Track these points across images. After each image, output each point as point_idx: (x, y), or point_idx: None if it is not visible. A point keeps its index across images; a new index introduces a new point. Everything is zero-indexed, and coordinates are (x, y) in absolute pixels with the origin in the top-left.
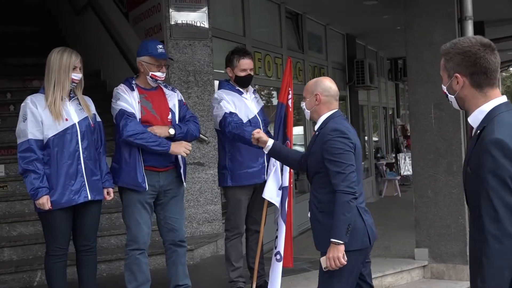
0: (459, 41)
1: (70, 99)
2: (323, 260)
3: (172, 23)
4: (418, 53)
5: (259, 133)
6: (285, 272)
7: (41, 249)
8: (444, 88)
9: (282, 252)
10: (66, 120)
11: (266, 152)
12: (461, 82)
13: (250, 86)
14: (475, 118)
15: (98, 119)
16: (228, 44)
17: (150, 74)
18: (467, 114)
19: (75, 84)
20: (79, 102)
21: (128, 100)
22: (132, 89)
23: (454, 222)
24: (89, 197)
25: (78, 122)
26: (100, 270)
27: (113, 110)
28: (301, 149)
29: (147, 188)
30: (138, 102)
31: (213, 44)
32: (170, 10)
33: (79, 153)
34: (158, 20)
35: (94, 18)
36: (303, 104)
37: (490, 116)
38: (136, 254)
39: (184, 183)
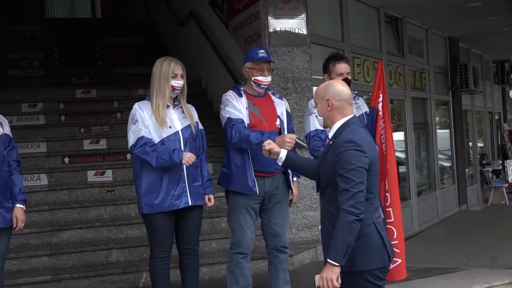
0: None
1: (174, 107)
2: (317, 278)
3: (271, 30)
4: None
5: (270, 144)
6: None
7: (146, 251)
8: None
9: None
10: (170, 127)
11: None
12: None
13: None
14: None
15: (201, 127)
16: (326, 50)
17: (253, 79)
18: None
19: (177, 92)
20: (183, 110)
21: (236, 106)
22: (240, 95)
23: None
24: (190, 203)
25: (181, 130)
26: (202, 273)
27: (222, 117)
28: (401, 155)
29: (257, 192)
30: (246, 108)
31: (312, 51)
32: (269, 18)
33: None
34: (257, 28)
35: (195, 28)
36: (315, 111)
37: None
38: (239, 258)
39: (293, 189)
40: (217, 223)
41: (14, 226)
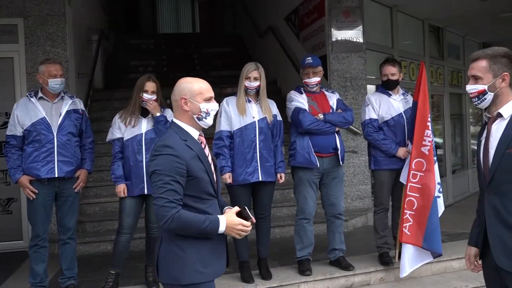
0: (497, 48)
1: (256, 102)
2: None
3: (333, 39)
4: None
5: None
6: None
7: None
8: (485, 86)
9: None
10: (253, 117)
11: None
12: (507, 80)
13: (399, 88)
14: (508, 109)
15: (279, 118)
16: (378, 55)
17: (303, 81)
18: None
19: (251, 90)
20: (261, 105)
21: (300, 100)
22: (301, 93)
23: None
24: (260, 178)
25: (257, 120)
26: (275, 233)
27: (288, 110)
28: (439, 140)
29: (318, 165)
30: (307, 102)
31: (366, 55)
32: (332, 29)
33: (256, 144)
34: (322, 38)
35: (273, 39)
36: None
37: None
38: (304, 223)
39: (341, 163)
40: (287, 194)
41: None
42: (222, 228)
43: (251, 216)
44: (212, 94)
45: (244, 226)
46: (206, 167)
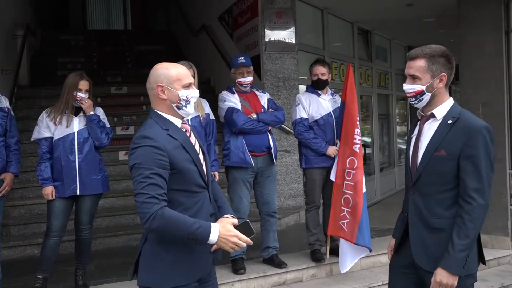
0: (435, 46)
1: None
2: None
3: (267, 40)
4: (470, 61)
5: None
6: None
7: None
8: (423, 87)
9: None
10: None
11: None
12: (444, 80)
13: (328, 89)
14: (441, 111)
15: (212, 117)
16: (310, 56)
17: (236, 81)
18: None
19: None
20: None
21: (233, 100)
22: (233, 93)
23: (498, 201)
24: None
25: (190, 119)
26: None
27: (221, 110)
28: (368, 139)
29: (253, 164)
30: (239, 102)
31: (299, 56)
32: (265, 30)
33: None
34: (255, 38)
35: (206, 38)
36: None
37: (456, 109)
38: None
39: (275, 161)
40: None
41: None
42: (213, 238)
43: (254, 231)
44: (191, 80)
45: (240, 240)
46: (193, 157)
